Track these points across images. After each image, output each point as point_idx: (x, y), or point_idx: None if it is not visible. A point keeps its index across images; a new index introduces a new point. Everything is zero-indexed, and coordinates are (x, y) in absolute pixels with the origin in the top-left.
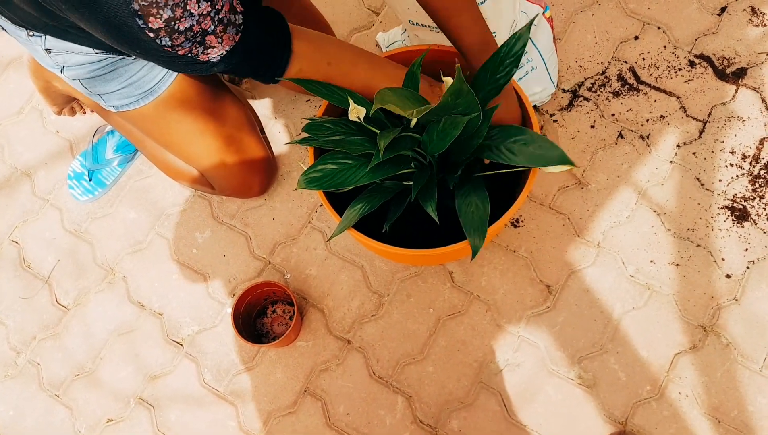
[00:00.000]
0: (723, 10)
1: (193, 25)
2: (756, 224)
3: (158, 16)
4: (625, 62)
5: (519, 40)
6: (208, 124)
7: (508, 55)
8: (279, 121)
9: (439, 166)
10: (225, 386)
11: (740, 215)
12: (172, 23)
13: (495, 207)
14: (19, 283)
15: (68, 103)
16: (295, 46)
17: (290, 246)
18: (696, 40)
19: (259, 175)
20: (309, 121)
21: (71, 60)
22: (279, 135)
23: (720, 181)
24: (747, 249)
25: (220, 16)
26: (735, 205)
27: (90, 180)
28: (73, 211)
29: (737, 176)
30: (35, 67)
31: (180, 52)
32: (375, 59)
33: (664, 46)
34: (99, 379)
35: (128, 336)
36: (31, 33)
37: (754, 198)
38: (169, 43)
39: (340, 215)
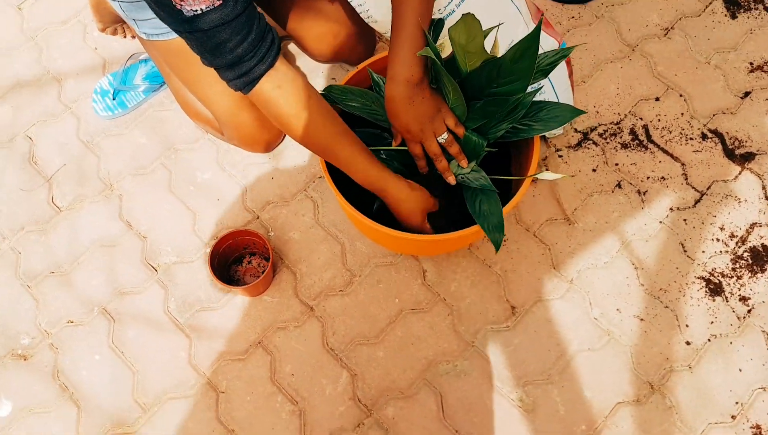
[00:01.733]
0: (747, 94)
1: None
2: (727, 302)
3: None
4: (641, 119)
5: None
6: None
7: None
8: None
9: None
10: (186, 319)
11: (714, 289)
12: None
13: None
14: (23, 175)
15: (114, 24)
16: (280, 61)
17: (281, 207)
18: (713, 115)
19: (267, 133)
20: (331, 85)
21: None
22: None
23: (703, 252)
24: (713, 322)
25: None
26: (712, 278)
27: (113, 99)
28: (90, 124)
29: (721, 252)
30: None
31: None
32: (344, 128)
33: (682, 114)
34: (71, 281)
35: (109, 249)
36: None
37: (732, 277)
38: None
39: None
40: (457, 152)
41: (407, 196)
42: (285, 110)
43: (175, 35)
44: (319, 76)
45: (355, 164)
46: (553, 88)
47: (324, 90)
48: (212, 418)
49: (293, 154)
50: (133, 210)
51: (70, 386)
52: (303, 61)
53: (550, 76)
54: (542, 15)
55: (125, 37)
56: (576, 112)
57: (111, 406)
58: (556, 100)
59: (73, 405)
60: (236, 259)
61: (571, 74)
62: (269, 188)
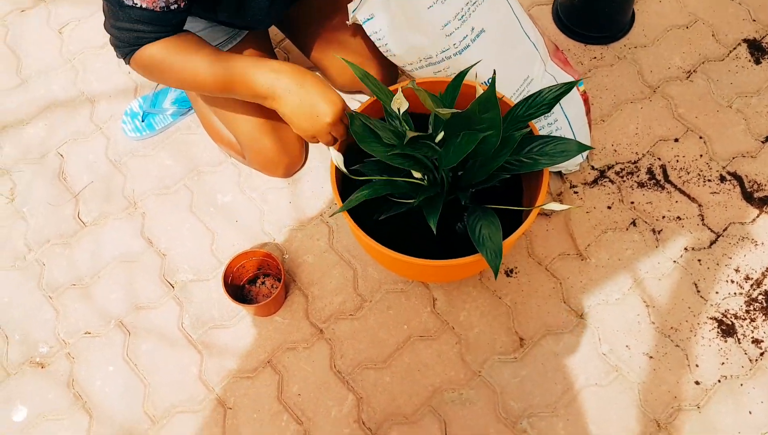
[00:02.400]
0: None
1: None
2: (739, 343)
3: None
4: (659, 159)
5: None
6: None
7: (533, 104)
8: None
9: (451, 187)
10: (199, 335)
11: (727, 330)
12: None
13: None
14: (52, 190)
15: None
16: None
17: (297, 231)
18: (733, 158)
19: (287, 158)
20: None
21: None
22: None
23: (717, 293)
24: (723, 363)
25: None
26: (725, 319)
27: (142, 121)
28: (119, 144)
29: (735, 294)
30: None
31: None
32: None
33: (701, 155)
34: (91, 294)
35: (129, 265)
36: None
37: (746, 319)
38: None
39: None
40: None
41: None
42: (163, 64)
43: None
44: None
45: (236, 86)
46: (569, 124)
47: None
48: (219, 433)
49: (311, 181)
50: (154, 228)
51: (84, 395)
52: None
53: (565, 112)
54: (561, 52)
55: None
56: (582, 147)
57: (122, 417)
58: (571, 137)
59: (86, 414)
60: (251, 279)
61: (588, 112)
62: (287, 212)
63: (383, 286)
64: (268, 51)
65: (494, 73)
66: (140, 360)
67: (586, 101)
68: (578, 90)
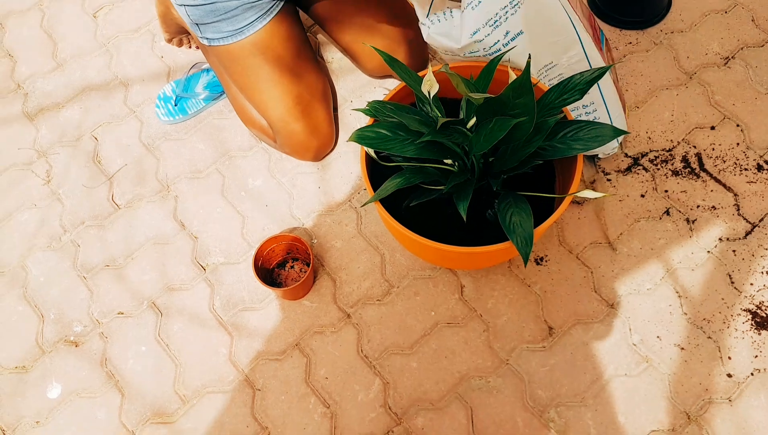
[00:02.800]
0: None
1: None
2: None
3: None
4: (694, 147)
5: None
6: (284, 78)
7: (566, 89)
8: (354, 104)
9: (482, 174)
10: (229, 317)
11: (761, 323)
12: None
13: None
14: (87, 172)
15: (179, 35)
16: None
17: (325, 216)
18: None
19: (317, 141)
20: (374, 101)
21: None
22: (349, 117)
23: (752, 284)
24: (757, 356)
25: None
26: (759, 311)
27: (175, 105)
28: (152, 127)
29: None
30: None
31: None
32: None
33: (737, 144)
34: (125, 275)
35: (162, 247)
36: None
37: None
38: None
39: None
40: None
41: None
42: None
43: (234, 39)
44: (372, 90)
45: None
46: (606, 108)
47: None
48: (247, 414)
49: (340, 166)
50: (186, 211)
51: (116, 374)
52: (356, 75)
53: (603, 95)
54: (600, 32)
55: (189, 47)
56: (618, 132)
57: (153, 396)
58: (608, 121)
59: (118, 392)
60: (280, 263)
61: (621, 95)
62: (315, 197)
63: (411, 272)
64: (299, 30)
65: (529, 56)
66: (172, 340)
67: (616, 84)
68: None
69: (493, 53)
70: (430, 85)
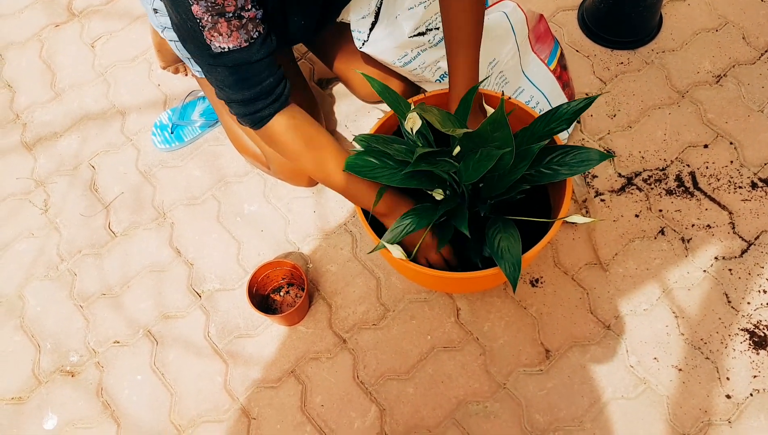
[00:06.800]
0: None
1: None
2: None
3: None
4: (688, 166)
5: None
6: None
7: (553, 119)
8: (348, 129)
9: (472, 199)
10: (224, 344)
11: (759, 342)
12: None
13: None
14: (84, 201)
15: (175, 63)
16: (292, 105)
17: (321, 240)
18: (765, 164)
19: None
20: (361, 135)
21: (170, 23)
22: (344, 143)
23: (749, 303)
24: (755, 376)
25: (242, 13)
26: (757, 331)
27: (171, 133)
28: (148, 155)
29: (767, 304)
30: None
31: (194, 9)
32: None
33: (731, 162)
34: (121, 303)
35: (158, 275)
36: None
37: None
38: None
39: (374, 230)
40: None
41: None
42: (291, 147)
43: None
44: (366, 114)
45: (358, 197)
46: (546, 99)
47: (353, 139)
48: None
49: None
50: (182, 238)
51: (112, 404)
52: (350, 99)
53: (540, 88)
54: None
55: (185, 75)
56: (603, 156)
57: (148, 426)
58: (549, 106)
59: (114, 422)
60: (275, 289)
61: (565, 86)
62: (311, 221)
63: (406, 295)
64: (291, 64)
65: (503, 94)
66: (167, 369)
67: (558, 77)
68: (548, 67)
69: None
70: (412, 123)
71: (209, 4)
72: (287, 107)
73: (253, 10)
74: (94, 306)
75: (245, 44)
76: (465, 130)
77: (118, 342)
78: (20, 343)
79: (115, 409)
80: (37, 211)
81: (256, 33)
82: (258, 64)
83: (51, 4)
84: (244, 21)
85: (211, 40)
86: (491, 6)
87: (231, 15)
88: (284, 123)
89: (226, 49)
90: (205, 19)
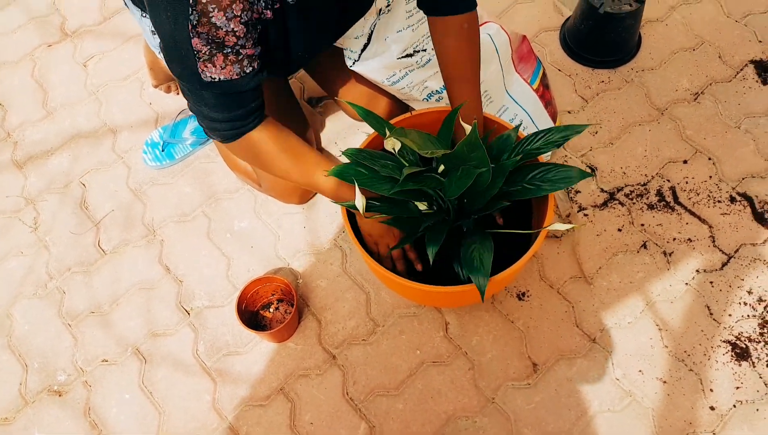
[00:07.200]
0: None
1: (222, 28)
2: (754, 367)
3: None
4: (668, 181)
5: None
6: None
7: (540, 140)
8: (338, 146)
9: (457, 214)
10: (213, 362)
11: (741, 354)
12: (212, 8)
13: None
14: (74, 219)
15: (167, 81)
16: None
17: (311, 255)
18: (743, 179)
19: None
20: (350, 148)
21: None
22: (333, 160)
23: (730, 315)
24: (738, 387)
25: (240, 49)
26: (738, 342)
27: (162, 150)
28: (139, 173)
29: (748, 316)
30: (148, 44)
31: (193, 42)
32: (315, 160)
33: (710, 177)
34: (110, 321)
35: (147, 292)
36: (144, 14)
37: (759, 341)
38: (195, 21)
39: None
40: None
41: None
42: (263, 156)
43: None
44: (355, 132)
45: (326, 190)
46: (530, 117)
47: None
48: None
49: (325, 206)
50: (172, 254)
51: (100, 424)
52: (341, 117)
53: (524, 107)
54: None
55: (177, 93)
56: (583, 174)
57: None
58: (533, 127)
59: None
60: (264, 305)
61: (548, 104)
62: (301, 237)
63: (396, 310)
64: (284, 81)
65: (475, 120)
66: (155, 387)
67: (541, 96)
68: (531, 87)
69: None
70: (392, 145)
71: (210, 37)
72: (263, 122)
73: (252, 48)
74: (83, 324)
75: (236, 77)
76: (444, 151)
77: (107, 360)
78: (7, 362)
79: (103, 429)
80: (27, 229)
81: (250, 68)
82: (246, 93)
83: (44, 24)
84: (240, 57)
85: (203, 70)
86: None
87: (229, 50)
88: (257, 133)
89: (216, 80)
90: (203, 51)
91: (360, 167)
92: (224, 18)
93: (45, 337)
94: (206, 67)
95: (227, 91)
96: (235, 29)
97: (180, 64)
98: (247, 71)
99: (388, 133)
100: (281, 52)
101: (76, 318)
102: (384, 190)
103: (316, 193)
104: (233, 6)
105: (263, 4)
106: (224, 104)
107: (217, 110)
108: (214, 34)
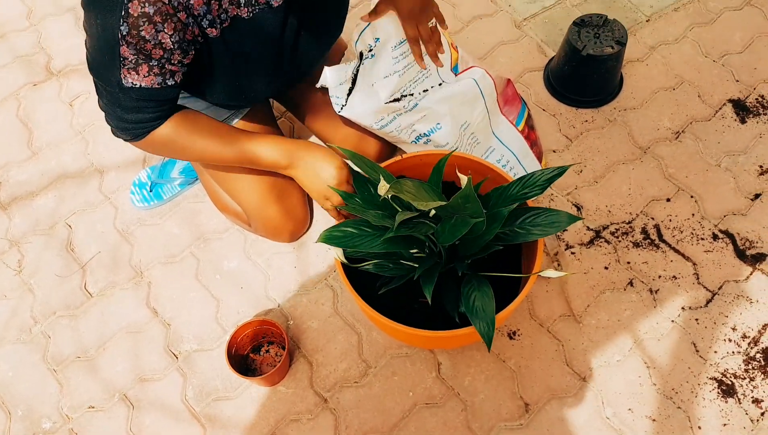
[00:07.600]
0: (757, 196)
1: (150, 41)
2: (740, 404)
3: (142, 5)
4: (652, 219)
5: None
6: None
7: (527, 184)
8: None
9: (449, 257)
10: (202, 408)
11: (727, 390)
12: (143, 21)
13: (499, 304)
14: (60, 261)
15: None
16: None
17: (301, 296)
18: (724, 216)
19: (292, 224)
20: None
21: None
22: None
23: (715, 352)
24: (725, 424)
25: (164, 63)
26: (724, 379)
27: (150, 191)
28: (127, 214)
29: (733, 353)
30: None
31: (122, 49)
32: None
33: (693, 214)
34: (96, 366)
35: (135, 336)
36: None
37: (745, 378)
38: (125, 32)
39: (353, 285)
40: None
41: (311, 172)
42: (177, 145)
43: None
44: None
45: (255, 162)
46: (517, 159)
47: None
48: None
49: (316, 245)
50: (160, 297)
51: None
52: None
53: (510, 149)
54: (511, 86)
55: None
56: (572, 218)
57: None
58: (521, 169)
59: None
60: (254, 348)
61: (533, 145)
62: (291, 277)
63: (388, 351)
64: (271, 121)
65: (470, 174)
66: (143, 434)
67: (527, 137)
68: (516, 128)
69: (412, 108)
70: (384, 191)
71: (138, 48)
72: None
73: (178, 65)
74: (69, 369)
75: (158, 86)
76: (439, 203)
77: (93, 407)
78: None
79: None
80: (11, 272)
81: (172, 81)
82: (163, 101)
83: (29, 63)
84: (164, 70)
85: (125, 75)
86: (461, 72)
87: (155, 62)
88: (166, 127)
89: (137, 86)
90: (130, 59)
91: (348, 226)
92: (154, 31)
93: (29, 384)
94: (129, 73)
95: (145, 97)
96: (164, 43)
97: (103, 66)
98: (169, 83)
99: (382, 180)
100: (244, 78)
101: (62, 363)
102: (374, 247)
103: (306, 231)
104: (165, 24)
105: (203, 25)
106: (139, 108)
107: (130, 112)
108: (143, 46)
